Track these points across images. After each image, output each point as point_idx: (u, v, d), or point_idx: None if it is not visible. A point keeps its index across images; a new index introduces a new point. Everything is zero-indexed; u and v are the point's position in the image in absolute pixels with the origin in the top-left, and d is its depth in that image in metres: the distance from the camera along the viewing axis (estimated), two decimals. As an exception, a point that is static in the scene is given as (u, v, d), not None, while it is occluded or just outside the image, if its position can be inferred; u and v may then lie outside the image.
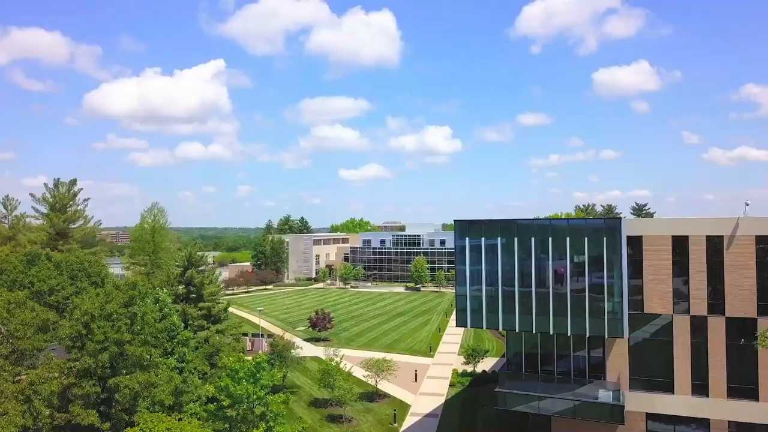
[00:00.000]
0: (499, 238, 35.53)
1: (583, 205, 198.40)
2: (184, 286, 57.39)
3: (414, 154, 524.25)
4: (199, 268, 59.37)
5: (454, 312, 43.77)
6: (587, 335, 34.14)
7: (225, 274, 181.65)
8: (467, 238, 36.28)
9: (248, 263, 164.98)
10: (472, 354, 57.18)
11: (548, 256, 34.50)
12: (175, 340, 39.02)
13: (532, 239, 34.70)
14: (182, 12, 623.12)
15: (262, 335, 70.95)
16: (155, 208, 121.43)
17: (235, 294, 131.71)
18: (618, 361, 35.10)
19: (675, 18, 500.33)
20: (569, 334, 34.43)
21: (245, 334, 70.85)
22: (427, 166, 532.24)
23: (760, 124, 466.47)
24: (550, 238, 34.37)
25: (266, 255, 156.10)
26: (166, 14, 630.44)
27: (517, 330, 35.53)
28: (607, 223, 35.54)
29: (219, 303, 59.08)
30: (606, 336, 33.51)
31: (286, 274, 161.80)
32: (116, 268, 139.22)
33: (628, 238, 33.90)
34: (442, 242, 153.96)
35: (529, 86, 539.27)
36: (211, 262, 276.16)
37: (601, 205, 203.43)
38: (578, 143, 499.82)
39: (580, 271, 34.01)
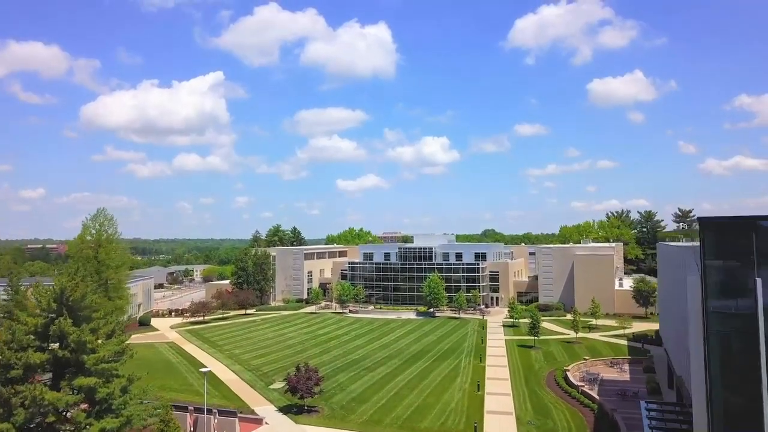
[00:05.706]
0: None
1: (616, 212, 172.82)
2: (45, 347, 31.76)
3: (411, 164, 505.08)
4: (81, 313, 33.77)
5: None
6: None
7: (201, 293, 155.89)
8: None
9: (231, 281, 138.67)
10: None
11: None
12: None
13: None
14: (179, 25, 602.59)
15: (211, 411, 45.15)
16: (101, 216, 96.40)
17: (206, 323, 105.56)
18: None
19: (668, 29, 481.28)
20: None
21: (181, 408, 45.05)
22: (425, 177, 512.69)
23: (754, 133, 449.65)
24: None
25: (248, 272, 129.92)
26: (163, 28, 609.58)
27: None
28: None
29: (116, 376, 33.53)
30: None
31: (272, 294, 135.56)
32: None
33: None
34: (459, 256, 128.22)
35: (524, 97, 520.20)
36: (197, 275, 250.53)
37: (638, 212, 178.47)
38: (575, 153, 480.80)
39: None
